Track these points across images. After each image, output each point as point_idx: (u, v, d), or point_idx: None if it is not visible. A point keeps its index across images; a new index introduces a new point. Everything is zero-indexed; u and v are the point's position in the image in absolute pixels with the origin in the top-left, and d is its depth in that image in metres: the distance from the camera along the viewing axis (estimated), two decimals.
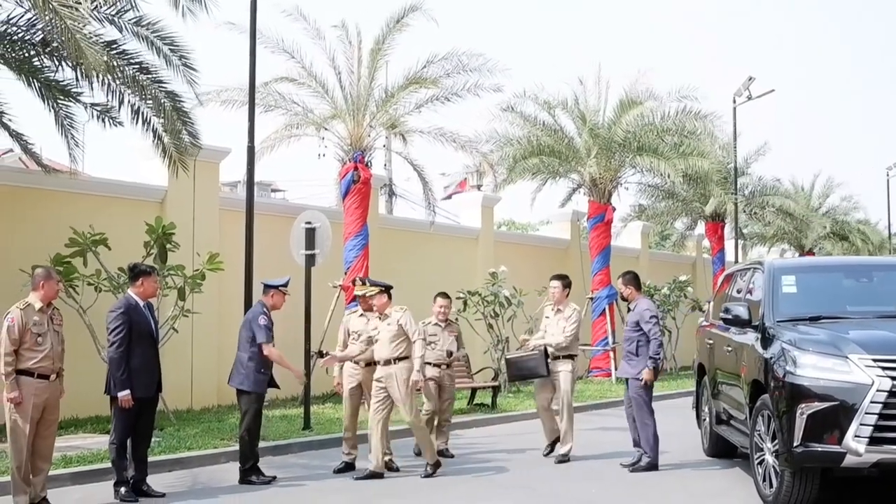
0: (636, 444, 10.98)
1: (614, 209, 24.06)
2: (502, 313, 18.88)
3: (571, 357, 11.41)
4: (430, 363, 11.48)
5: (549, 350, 11.32)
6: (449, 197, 28.95)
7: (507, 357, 11.95)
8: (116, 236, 13.28)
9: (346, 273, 17.07)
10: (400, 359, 10.26)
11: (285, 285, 10.58)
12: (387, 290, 10.67)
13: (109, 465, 10.28)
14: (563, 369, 11.33)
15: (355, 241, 17.18)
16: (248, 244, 13.24)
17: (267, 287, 10.57)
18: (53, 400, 8.77)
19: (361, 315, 11.08)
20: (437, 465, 10.48)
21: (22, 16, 12.35)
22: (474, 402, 16.93)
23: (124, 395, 9.11)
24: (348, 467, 10.72)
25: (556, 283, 11.71)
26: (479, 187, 25.32)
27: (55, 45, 11.76)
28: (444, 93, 18.21)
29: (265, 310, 10.33)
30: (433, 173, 20.23)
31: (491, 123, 22.84)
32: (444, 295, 12.14)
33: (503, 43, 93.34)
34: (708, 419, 11.54)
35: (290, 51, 17.49)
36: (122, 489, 9.23)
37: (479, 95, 18.47)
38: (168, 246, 13.25)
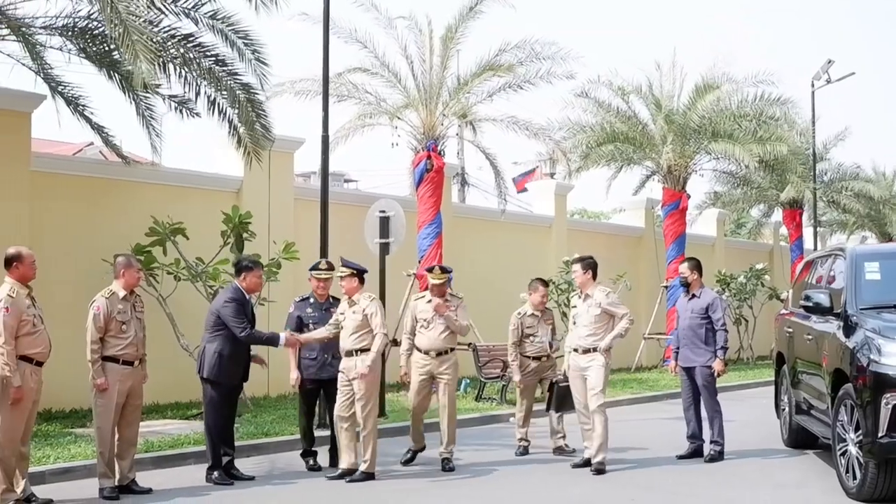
0: (694, 436, 10.80)
1: (689, 196, 23.78)
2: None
3: (605, 349, 10.04)
4: (528, 356, 11.13)
5: (579, 344, 10.12)
6: (524, 189, 28.80)
7: (560, 385, 10.73)
8: (194, 226, 13.51)
9: (419, 262, 17.12)
10: (363, 350, 9.45)
11: (313, 268, 10.47)
12: (359, 273, 9.77)
13: (191, 449, 10.53)
14: (594, 364, 9.98)
15: (429, 230, 17.22)
16: (322, 233, 13.33)
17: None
18: (137, 385, 8.99)
19: (429, 301, 10.32)
20: (370, 475, 9.53)
21: (101, 11, 12.58)
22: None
23: (285, 338, 9.63)
24: (414, 455, 10.42)
25: (576, 267, 10.39)
26: (552, 175, 25.21)
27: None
28: (516, 80, 18.16)
29: (296, 299, 10.53)
30: (505, 162, 20.22)
31: (564, 111, 22.74)
32: (544, 282, 11.46)
33: (576, 27, 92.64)
34: (787, 409, 11.35)
35: (363, 40, 17.56)
36: (216, 473, 9.42)
37: (551, 83, 18.42)
38: (244, 235, 13.43)
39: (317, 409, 11.05)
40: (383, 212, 14.00)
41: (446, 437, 10.20)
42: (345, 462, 9.58)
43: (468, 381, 16.95)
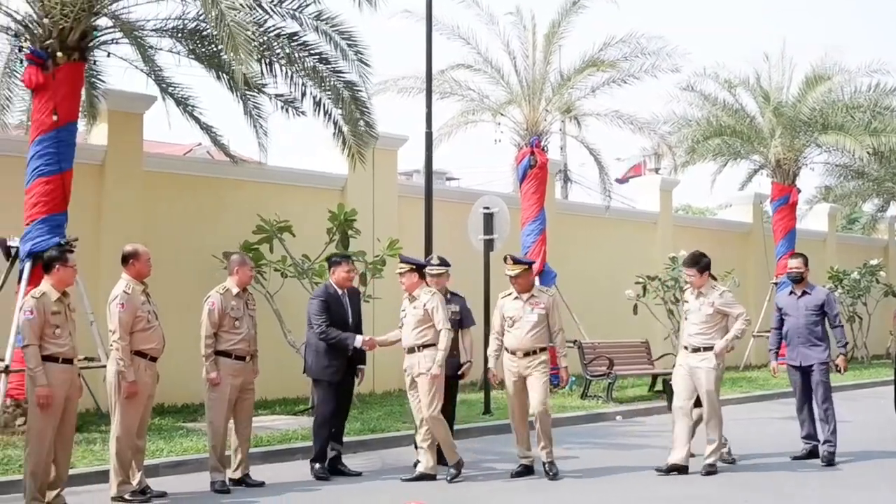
0: (809, 437, 10.44)
1: (799, 191, 23.17)
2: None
3: (719, 352, 9.61)
4: None
5: (689, 343, 9.70)
6: (626, 180, 28.52)
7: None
8: (300, 223, 13.69)
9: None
10: (425, 346, 9.19)
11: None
12: (418, 268, 9.51)
13: (299, 444, 10.64)
14: (705, 366, 9.60)
15: (532, 227, 17.13)
16: (427, 230, 13.35)
17: None
18: (248, 381, 9.12)
19: (516, 298, 9.66)
20: (459, 464, 9.38)
21: (205, 12, 12.77)
22: (654, 389, 16.63)
23: (363, 340, 9.42)
24: (527, 470, 9.60)
25: (691, 271, 9.86)
26: (656, 170, 24.80)
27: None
28: (620, 75, 17.94)
29: None
30: (608, 158, 20.01)
31: (668, 105, 22.39)
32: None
33: (681, 19, 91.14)
34: None
35: (465, 37, 17.59)
36: (317, 465, 9.47)
37: (656, 77, 18.11)
38: (350, 232, 13.56)
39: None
40: (487, 208, 13.97)
41: (543, 440, 9.58)
42: (422, 465, 9.35)
43: (573, 378, 16.78)
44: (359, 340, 9.48)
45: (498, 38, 17.70)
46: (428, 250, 13.27)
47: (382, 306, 14.27)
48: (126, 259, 8.55)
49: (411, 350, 9.30)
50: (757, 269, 23.50)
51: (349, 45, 13.02)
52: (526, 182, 17.35)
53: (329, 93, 13.30)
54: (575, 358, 16.20)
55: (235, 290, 9.07)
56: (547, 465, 9.56)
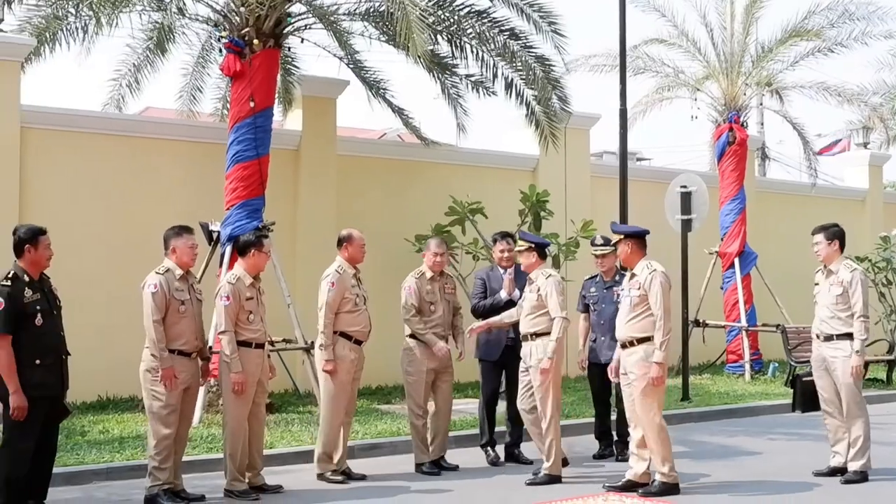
0: None
1: None
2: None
3: (851, 337, 8.44)
4: None
5: (820, 330, 8.74)
6: (832, 153, 27.16)
7: (803, 379, 9.01)
8: (492, 205, 13.55)
9: (722, 239, 16.53)
10: (538, 335, 8.34)
11: (591, 244, 9.92)
12: (537, 247, 8.65)
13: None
14: (841, 355, 8.44)
15: (732, 206, 16.54)
16: (622, 210, 12.93)
17: None
18: (445, 365, 9.03)
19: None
20: (555, 478, 8.40)
21: None
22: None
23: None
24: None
25: (819, 237, 8.74)
26: (865, 145, 23.42)
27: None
28: (826, 44, 17.08)
29: (586, 278, 10.05)
30: (810, 134, 19.04)
31: (878, 73, 21.03)
32: None
33: None
34: None
35: (660, 9, 17.15)
36: (489, 450, 9.33)
37: (867, 44, 17.18)
38: (542, 214, 13.32)
39: None
40: (684, 187, 13.47)
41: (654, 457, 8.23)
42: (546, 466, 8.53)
43: (776, 364, 16.08)
44: (504, 294, 9.10)
45: (694, 10, 17.25)
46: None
47: (576, 289, 13.99)
48: (340, 242, 8.73)
49: (525, 338, 8.51)
50: None
51: (542, 17, 12.73)
52: (724, 160, 16.78)
53: (521, 72, 13.08)
54: (779, 343, 15.49)
55: (429, 274, 9.00)
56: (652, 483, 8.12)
